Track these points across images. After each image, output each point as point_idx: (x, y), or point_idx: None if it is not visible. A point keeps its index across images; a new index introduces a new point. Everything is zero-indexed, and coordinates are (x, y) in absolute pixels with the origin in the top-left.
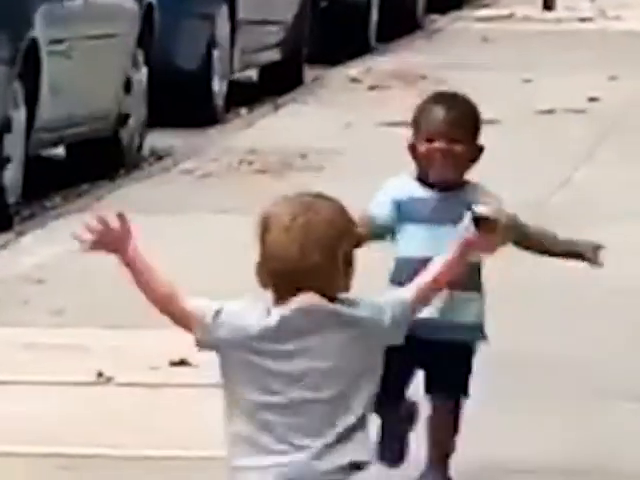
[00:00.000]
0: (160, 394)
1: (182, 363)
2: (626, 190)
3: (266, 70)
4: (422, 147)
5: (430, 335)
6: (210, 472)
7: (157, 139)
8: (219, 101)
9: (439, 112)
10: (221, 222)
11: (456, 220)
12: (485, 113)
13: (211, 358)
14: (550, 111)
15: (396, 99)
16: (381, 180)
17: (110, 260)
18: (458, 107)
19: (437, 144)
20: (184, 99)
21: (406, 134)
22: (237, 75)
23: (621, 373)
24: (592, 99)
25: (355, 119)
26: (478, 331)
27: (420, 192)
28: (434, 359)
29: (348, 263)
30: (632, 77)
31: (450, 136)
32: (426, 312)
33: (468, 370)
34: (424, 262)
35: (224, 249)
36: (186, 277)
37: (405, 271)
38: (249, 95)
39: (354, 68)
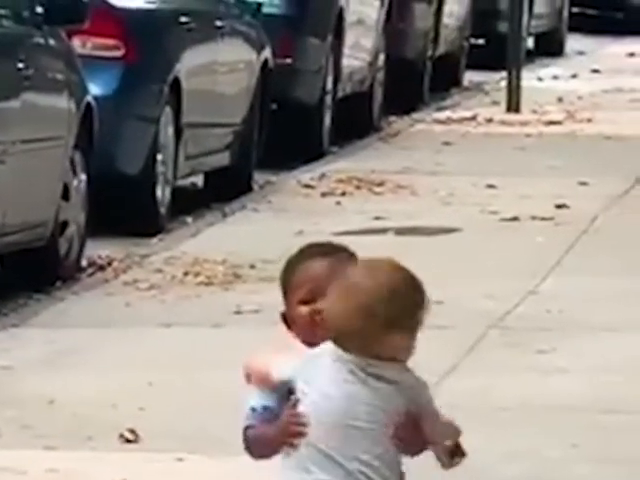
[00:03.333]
0: None
1: None
2: (596, 301)
3: (213, 175)
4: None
5: None
6: None
7: (97, 248)
8: (163, 209)
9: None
10: (165, 336)
11: None
12: (446, 221)
13: (156, 479)
14: (515, 219)
15: (351, 207)
16: None
17: (46, 377)
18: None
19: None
20: (125, 206)
21: (362, 244)
22: (182, 181)
23: None
24: (560, 206)
25: (307, 227)
26: None
27: None
28: None
29: None
30: (603, 182)
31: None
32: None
33: None
34: None
35: (170, 365)
36: (133, 395)
37: None
38: (194, 202)
39: (307, 173)
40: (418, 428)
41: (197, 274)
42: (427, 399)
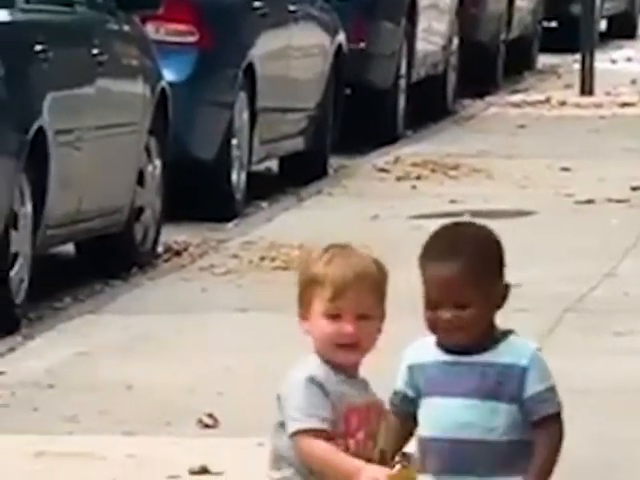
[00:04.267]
0: None
1: (203, 471)
2: None
3: (287, 160)
4: (426, 313)
5: None
6: None
7: (173, 234)
8: (238, 194)
9: (437, 269)
10: (242, 321)
11: (472, 393)
12: (521, 204)
13: (236, 464)
14: (590, 201)
15: (427, 190)
16: (413, 278)
17: (123, 362)
18: (461, 255)
19: (442, 312)
20: (201, 192)
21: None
22: (257, 166)
23: None
24: (636, 188)
25: (383, 212)
26: None
27: (437, 356)
28: None
29: None
30: None
31: (454, 301)
32: None
33: None
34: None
35: (247, 350)
36: (210, 381)
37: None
38: (270, 187)
39: (381, 158)
40: None
41: (273, 259)
42: None
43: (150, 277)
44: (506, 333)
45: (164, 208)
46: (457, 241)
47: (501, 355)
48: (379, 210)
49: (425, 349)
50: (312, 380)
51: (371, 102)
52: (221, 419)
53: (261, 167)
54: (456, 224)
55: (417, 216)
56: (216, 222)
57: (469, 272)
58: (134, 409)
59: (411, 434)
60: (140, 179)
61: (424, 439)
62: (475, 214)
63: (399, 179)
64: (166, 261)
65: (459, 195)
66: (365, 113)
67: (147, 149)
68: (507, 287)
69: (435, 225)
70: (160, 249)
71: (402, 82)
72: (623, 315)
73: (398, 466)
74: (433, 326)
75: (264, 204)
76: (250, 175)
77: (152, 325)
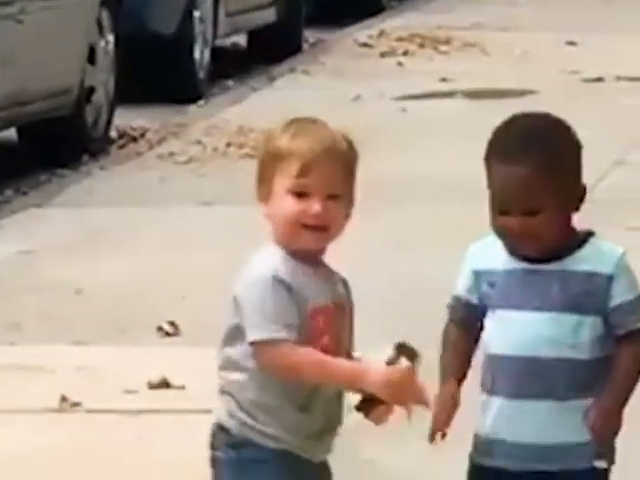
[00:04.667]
0: (138, 422)
1: (163, 385)
2: None
3: (257, 34)
4: (494, 219)
5: (535, 466)
6: None
7: (128, 118)
8: (202, 72)
9: (507, 170)
10: (206, 215)
11: (551, 305)
12: (520, 83)
13: (199, 377)
14: (599, 79)
15: (414, 68)
16: (396, 164)
17: (72, 262)
18: (533, 155)
19: (509, 219)
20: (160, 70)
21: (426, 108)
22: (222, 41)
23: None
24: None
25: (365, 92)
26: (602, 452)
27: (507, 263)
28: None
29: None
30: None
31: (525, 207)
32: (526, 434)
33: None
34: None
35: (211, 247)
36: (170, 283)
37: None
38: (237, 64)
39: (364, 31)
40: None
41: (241, 145)
42: None
43: (102, 166)
44: (587, 236)
45: (118, 89)
46: (528, 138)
47: (583, 262)
48: (361, 90)
49: (494, 253)
50: (276, 279)
51: None
52: (182, 326)
53: (227, 42)
54: (527, 116)
55: (403, 97)
56: (177, 104)
57: (541, 175)
58: (84, 315)
59: (476, 344)
60: (91, 56)
61: (494, 357)
62: (468, 94)
63: (383, 55)
64: (120, 148)
65: (450, 73)
66: None
67: (98, 22)
68: (584, 189)
69: (423, 107)
70: (114, 134)
71: None
72: (636, 207)
73: (404, 361)
74: (501, 233)
75: (231, 83)
76: (215, 51)
77: (105, 220)
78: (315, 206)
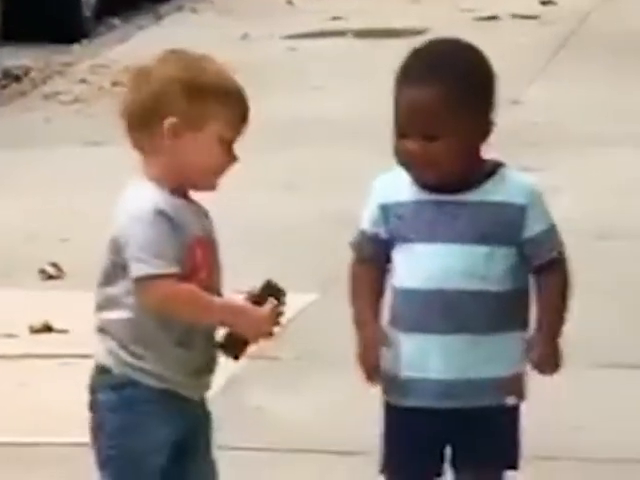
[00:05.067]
0: (20, 368)
1: (46, 329)
2: (587, 110)
3: None
4: (395, 143)
5: (443, 403)
6: (83, 460)
7: (11, 57)
8: (87, 10)
9: (409, 92)
10: (92, 156)
11: (461, 237)
12: (411, 21)
13: (83, 321)
14: (493, 17)
15: (305, 6)
16: (285, 105)
17: None
18: (436, 79)
19: (408, 143)
20: (44, 8)
21: (317, 47)
22: None
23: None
24: (545, 2)
25: (254, 30)
26: (512, 388)
27: (415, 195)
28: (459, 434)
29: None
30: None
31: (424, 131)
32: (434, 370)
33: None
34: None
35: (97, 189)
36: (54, 224)
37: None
38: (124, 2)
39: None
40: None
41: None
42: None
43: None
44: (497, 167)
45: (1, 27)
46: (434, 62)
47: (494, 192)
48: (250, 28)
49: (401, 185)
50: (159, 213)
51: None
52: (66, 269)
53: None
54: (437, 42)
55: (293, 35)
56: (61, 43)
57: (442, 99)
58: None
59: (385, 279)
60: None
61: (404, 290)
62: (360, 33)
63: None
64: (3, 88)
65: (341, 11)
66: None
67: None
68: (490, 122)
69: (313, 46)
70: None
71: None
72: (531, 148)
73: (272, 301)
74: (399, 157)
75: (116, 22)
76: None
77: None
78: (236, 156)
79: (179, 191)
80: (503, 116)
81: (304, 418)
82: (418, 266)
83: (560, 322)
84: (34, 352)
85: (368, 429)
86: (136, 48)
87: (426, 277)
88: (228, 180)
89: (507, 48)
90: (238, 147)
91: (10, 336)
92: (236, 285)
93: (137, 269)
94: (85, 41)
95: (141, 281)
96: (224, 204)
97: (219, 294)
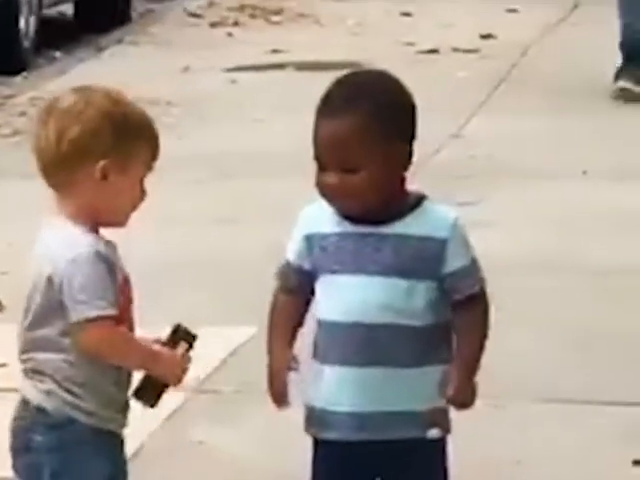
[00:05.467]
0: None
1: None
2: (527, 145)
3: (84, 4)
4: (316, 175)
5: (359, 435)
6: None
7: None
8: (27, 41)
9: (326, 123)
10: (31, 189)
11: (383, 270)
12: (354, 54)
13: None
14: (434, 51)
15: (245, 38)
16: (225, 138)
17: None
18: (351, 111)
19: (328, 175)
20: None
21: (257, 80)
22: (48, 10)
23: None
24: (486, 36)
25: (195, 63)
26: (433, 421)
27: (338, 226)
28: (385, 468)
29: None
30: (535, 8)
31: (342, 164)
32: (349, 402)
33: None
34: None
35: (34, 222)
36: None
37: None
38: (64, 34)
39: (194, 1)
40: None
41: None
42: None
43: None
44: (420, 200)
45: None
46: (351, 94)
47: (415, 225)
48: (191, 61)
49: (325, 216)
50: (99, 255)
51: None
52: (6, 302)
53: (53, 11)
54: (357, 73)
55: (234, 68)
56: (1, 75)
57: (355, 131)
58: None
59: (306, 311)
60: None
61: (325, 323)
62: (301, 66)
63: (213, 25)
64: None
65: (282, 44)
66: None
67: None
68: (409, 152)
69: (253, 79)
70: None
71: None
72: (469, 181)
73: (183, 345)
74: (320, 190)
75: (57, 54)
76: (41, 21)
77: None
78: (146, 192)
79: (94, 229)
80: (442, 150)
81: (246, 451)
82: (339, 298)
83: (476, 357)
84: None
85: (310, 461)
86: (76, 80)
87: (345, 309)
88: (164, 213)
89: (447, 82)
90: (175, 179)
91: None
92: (170, 321)
93: (79, 311)
94: (25, 73)
95: (82, 323)
96: (161, 238)
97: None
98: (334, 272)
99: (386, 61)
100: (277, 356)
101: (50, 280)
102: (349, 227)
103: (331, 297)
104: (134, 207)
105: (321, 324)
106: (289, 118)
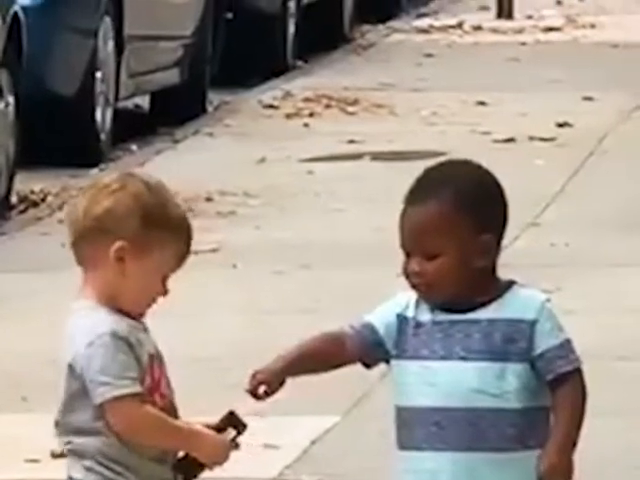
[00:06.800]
0: None
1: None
2: (605, 232)
3: (160, 96)
4: (403, 263)
5: None
6: None
7: (29, 182)
8: (103, 135)
9: (410, 210)
10: None
11: (474, 355)
12: (430, 144)
13: None
14: (510, 140)
15: (321, 129)
16: (303, 228)
17: None
18: (437, 196)
19: (410, 263)
20: (61, 133)
21: (333, 171)
22: (125, 103)
23: None
24: (562, 124)
25: (271, 154)
26: None
27: (429, 314)
28: None
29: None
30: (611, 97)
31: (422, 250)
32: None
33: None
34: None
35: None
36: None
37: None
38: (140, 127)
39: (269, 92)
40: None
41: None
42: None
43: (3, 231)
44: (509, 285)
45: (18, 152)
46: (435, 182)
47: (505, 309)
48: (266, 152)
49: (420, 304)
50: (115, 336)
51: (256, 28)
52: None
53: (130, 104)
54: (445, 163)
55: (310, 159)
56: (78, 168)
57: (436, 217)
58: None
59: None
60: None
61: (414, 409)
62: (377, 156)
63: (289, 116)
64: (21, 212)
65: (358, 134)
66: (249, 41)
67: None
68: (496, 241)
69: (330, 169)
70: (14, 199)
71: (291, 4)
72: (548, 269)
73: (231, 432)
74: (405, 277)
75: (133, 147)
76: (117, 113)
77: (5, 286)
78: (168, 289)
79: (116, 309)
80: (521, 237)
81: None
82: (430, 384)
83: (571, 434)
84: (55, 477)
85: None
86: (153, 172)
87: (436, 395)
88: (244, 303)
89: (524, 170)
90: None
91: (31, 461)
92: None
93: (100, 393)
94: (102, 165)
95: (107, 404)
96: (242, 326)
97: (176, 415)
98: (424, 358)
99: (462, 150)
100: (280, 357)
101: (71, 368)
102: (439, 315)
103: (421, 383)
104: (150, 299)
105: (409, 410)
106: (367, 208)
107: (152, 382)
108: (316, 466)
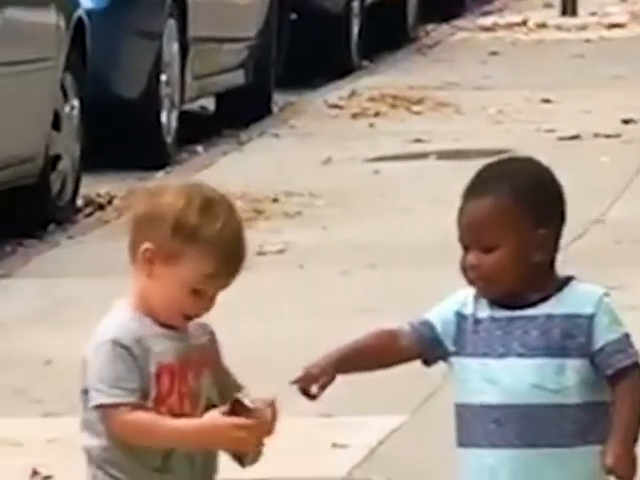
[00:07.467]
0: None
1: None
2: None
3: (225, 97)
4: (461, 258)
5: None
6: None
7: (95, 185)
8: (169, 137)
9: (468, 204)
10: None
11: (532, 351)
12: (495, 142)
13: None
14: (575, 137)
15: (386, 129)
16: (369, 228)
17: (40, 334)
18: (494, 190)
19: (467, 257)
20: (126, 136)
21: (399, 170)
22: (190, 105)
23: None
24: (627, 121)
25: (337, 154)
26: None
27: (488, 310)
28: None
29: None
30: None
31: (479, 243)
32: None
33: None
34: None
35: None
36: None
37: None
38: (205, 129)
39: (334, 92)
40: None
41: None
42: None
43: (70, 235)
44: (567, 280)
45: (84, 155)
46: (493, 177)
47: (562, 305)
48: (332, 152)
49: (480, 301)
50: (115, 343)
51: (321, 28)
52: None
53: (195, 106)
54: (504, 159)
55: (376, 158)
56: (144, 170)
57: (493, 211)
58: (54, 387)
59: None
60: (55, 122)
61: (472, 406)
62: (443, 155)
63: (355, 116)
64: (88, 216)
65: (424, 133)
66: (314, 41)
67: (63, 88)
68: (554, 237)
69: (396, 168)
70: (80, 202)
71: (356, 5)
72: (614, 267)
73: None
74: (463, 271)
75: (199, 148)
76: (182, 115)
77: (73, 290)
78: (210, 305)
79: (151, 314)
80: (587, 235)
81: None
82: (489, 381)
83: (633, 427)
84: None
85: None
86: (219, 174)
87: (496, 392)
88: (311, 303)
89: (590, 167)
90: (320, 270)
91: None
92: (317, 410)
93: (93, 398)
94: (168, 168)
95: (99, 410)
96: (309, 325)
97: (237, 406)
98: (483, 355)
99: (528, 148)
100: (331, 353)
101: (84, 365)
102: (498, 311)
103: (481, 380)
104: (177, 309)
105: (468, 408)
106: (433, 208)
107: (158, 394)
108: (384, 466)
